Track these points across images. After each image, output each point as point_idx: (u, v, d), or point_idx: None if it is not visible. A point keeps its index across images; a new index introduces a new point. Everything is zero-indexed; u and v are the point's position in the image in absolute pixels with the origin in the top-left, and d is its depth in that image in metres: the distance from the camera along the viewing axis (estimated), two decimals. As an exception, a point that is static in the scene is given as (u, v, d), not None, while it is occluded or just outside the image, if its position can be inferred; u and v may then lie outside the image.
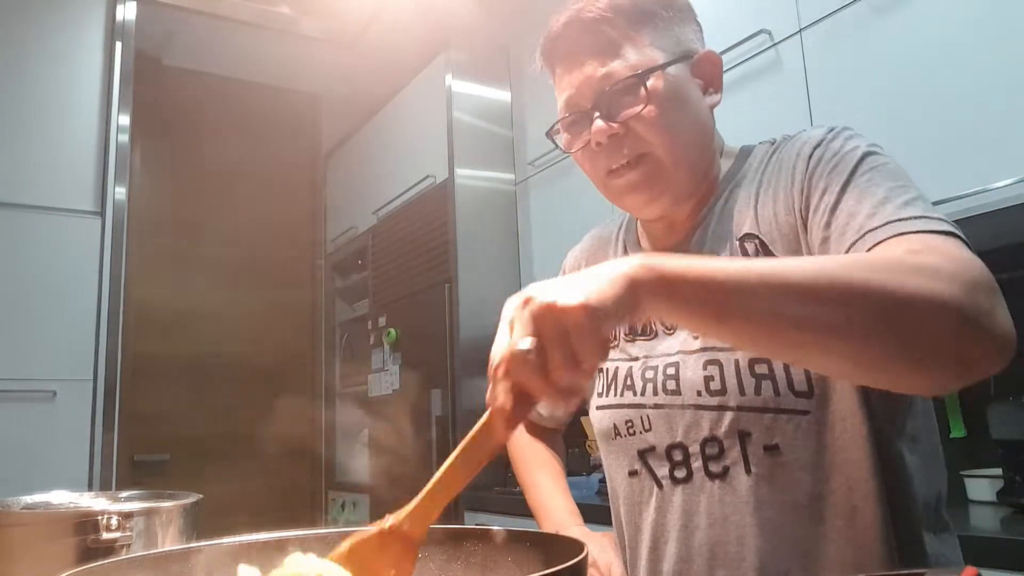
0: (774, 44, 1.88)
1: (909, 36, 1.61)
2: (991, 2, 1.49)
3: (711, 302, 0.58)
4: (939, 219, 0.67)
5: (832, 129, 0.81)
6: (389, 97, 3.34)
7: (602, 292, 0.53)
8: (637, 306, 0.55)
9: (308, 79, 3.97)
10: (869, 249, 0.67)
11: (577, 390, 0.52)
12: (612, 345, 0.92)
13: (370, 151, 3.53)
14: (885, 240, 0.66)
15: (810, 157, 0.79)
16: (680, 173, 0.85)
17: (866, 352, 0.59)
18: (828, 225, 0.73)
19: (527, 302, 0.53)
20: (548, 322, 0.51)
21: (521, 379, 0.51)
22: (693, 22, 0.90)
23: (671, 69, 0.84)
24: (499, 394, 0.52)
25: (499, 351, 0.53)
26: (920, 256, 0.62)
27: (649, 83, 0.82)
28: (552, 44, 0.88)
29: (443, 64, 2.93)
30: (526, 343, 0.50)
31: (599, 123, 0.83)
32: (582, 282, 0.54)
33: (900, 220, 0.67)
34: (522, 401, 0.52)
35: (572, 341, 0.50)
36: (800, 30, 1.82)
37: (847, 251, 0.70)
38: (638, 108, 0.82)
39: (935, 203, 1.46)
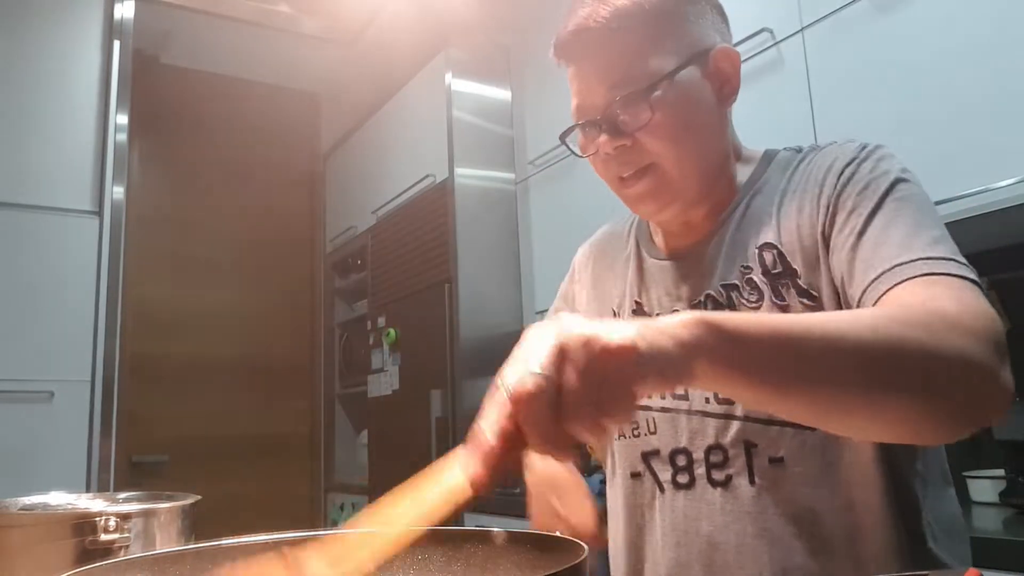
0: (776, 43, 1.88)
1: (911, 35, 1.60)
2: (993, 1, 1.48)
3: (774, 368, 0.55)
4: (965, 264, 0.68)
5: (865, 147, 0.81)
6: (389, 96, 3.34)
7: (655, 342, 0.49)
8: (688, 370, 0.51)
9: (307, 78, 3.96)
10: (898, 284, 0.67)
11: (573, 444, 0.45)
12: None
13: (369, 150, 3.53)
14: (914, 278, 0.67)
15: (841, 173, 0.79)
16: (689, 181, 0.84)
17: (908, 410, 0.60)
18: (854, 248, 0.73)
19: (562, 332, 0.46)
20: (583, 356, 0.45)
21: (528, 412, 0.44)
22: (711, 12, 0.87)
23: (680, 74, 0.82)
24: (488, 426, 0.45)
25: (509, 378, 0.46)
26: (952, 310, 0.62)
27: (655, 95, 0.80)
28: (562, 48, 0.86)
29: (443, 63, 2.92)
30: (547, 370, 0.44)
31: (605, 136, 0.83)
32: (631, 326, 0.49)
33: (930, 259, 0.67)
34: (510, 442, 0.44)
35: (606, 384, 0.45)
36: (802, 29, 1.82)
37: (875, 279, 0.69)
38: (643, 121, 0.80)
39: (936, 203, 1.47)
